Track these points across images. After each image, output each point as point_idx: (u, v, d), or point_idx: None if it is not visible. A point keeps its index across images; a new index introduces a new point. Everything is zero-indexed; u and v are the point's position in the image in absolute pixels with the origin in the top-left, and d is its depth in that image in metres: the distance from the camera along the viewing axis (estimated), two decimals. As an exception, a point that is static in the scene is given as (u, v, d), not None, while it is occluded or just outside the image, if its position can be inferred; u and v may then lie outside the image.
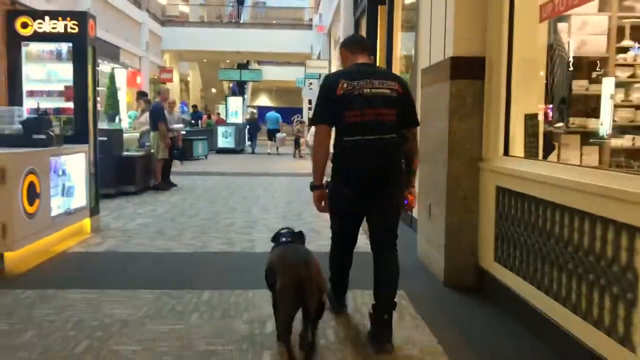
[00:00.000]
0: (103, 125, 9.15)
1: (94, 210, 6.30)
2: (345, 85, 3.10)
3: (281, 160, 18.22)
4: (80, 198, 6.01)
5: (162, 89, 10.06)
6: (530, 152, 3.81)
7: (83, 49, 6.02)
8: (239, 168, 14.91)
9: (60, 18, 5.92)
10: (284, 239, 3.19)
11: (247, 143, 23.69)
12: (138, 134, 10.28)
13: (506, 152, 4.01)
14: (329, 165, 3.28)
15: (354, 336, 3.36)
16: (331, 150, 3.26)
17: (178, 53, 30.30)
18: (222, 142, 20.14)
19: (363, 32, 11.80)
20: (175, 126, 10.46)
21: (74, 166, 5.92)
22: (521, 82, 3.97)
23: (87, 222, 6.14)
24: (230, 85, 34.51)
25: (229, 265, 5.00)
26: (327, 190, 3.30)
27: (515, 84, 3.96)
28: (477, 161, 4.25)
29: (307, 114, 33.01)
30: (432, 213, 4.69)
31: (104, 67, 11.50)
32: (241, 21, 29.85)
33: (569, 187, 3.02)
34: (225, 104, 22.09)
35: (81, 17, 5.98)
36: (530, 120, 3.84)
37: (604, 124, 5.16)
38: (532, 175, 3.46)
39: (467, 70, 4.21)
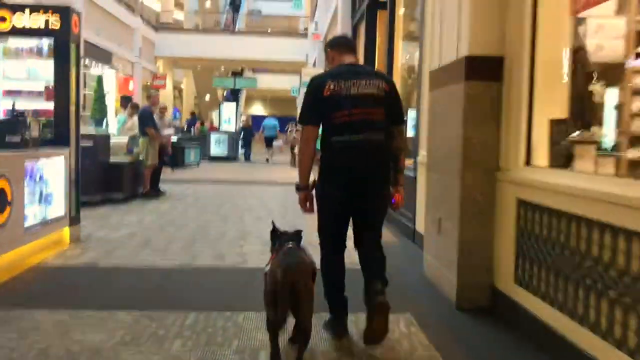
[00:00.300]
0: (89, 130, 8.70)
1: (74, 219, 5.83)
2: (332, 86, 3.08)
3: (276, 169, 17.78)
4: (59, 206, 5.54)
5: (151, 94, 9.63)
6: (557, 161, 3.41)
7: (65, 45, 5.58)
8: (232, 176, 14.45)
9: (41, 11, 5.48)
10: (286, 244, 3.04)
11: (241, 151, 23.28)
12: (126, 140, 9.81)
13: (528, 162, 3.61)
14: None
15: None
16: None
17: (172, 60, 29.87)
18: (215, 150, 19.69)
19: (361, 39, 11.43)
20: (165, 132, 10.02)
21: (53, 172, 5.46)
22: (546, 85, 3.57)
23: (66, 232, 5.67)
24: (224, 92, 34.15)
25: (218, 282, 4.54)
26: (312, 192, 3.25)
27: (539, 86, 3.56)
28: (493, 171, 3.84)
29: (301, 123, 32.72)
30: (443, 228, 4.27)
31: (96, 70, 11.00)
32: (236, 29, 29.47)
33: (606, 201, 2.62)
34: (219, 111, 21.66)
35: (64, 12, 5.54)
36: (558, 126, 3.44)
37: (608, 136, 4.78)
38: (561, 187, 3.06)
39: (484, 70, 3.81)
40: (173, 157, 15.40)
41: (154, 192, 9.61)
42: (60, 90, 5.62)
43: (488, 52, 3.82)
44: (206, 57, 27.91)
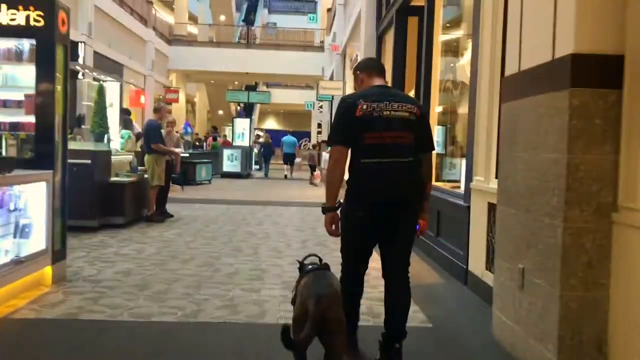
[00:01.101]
0: (88, 145, 7.74)
1: (58, 255, 4.82)
2: (364, 106, 3.02)
3: (292, 186, 16.76)
4: (38, 240, 4.54)
5: (158, 106, 8.67)
6: None
7: (50, 47, 4.61)
8: (246, 195, 13.43)
9: (21, 7, 4.52)
10: (309, 267, 3.03)
11: (255, 167, 22.32)
12: (130, 157, 8.84)
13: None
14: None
15: None
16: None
17: (185, 73, 29.16)
18: (227, 166, 18.72)
19: (389, 49, 10.43)
20: (174, 150, 9.05)
21: (32, 199, 4.48)
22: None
23: (47, 272, 4.66)
24: (238, 107, 33.36)
25: (227, 346, 3.48)
26: (339, 213, 3.16)
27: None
28: (609, 211, 2.77)
29: (315, 138, 31.77)
30: (528, 282, 3.18)
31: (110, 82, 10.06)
32: (251, 42, 28.68)
33: None
34: (232, 126, 20.73)
35: (48, 7, 4.57)
36: None
37: None
38: None
39: (597, 74, 2.77)
40: (183, 174, 14.48)
41: (160, 215, 8.61)
42: (43, 100, 4.64)
43: (602, 49, 2.77)
44: (220, 70, 27.16)
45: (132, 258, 5.86)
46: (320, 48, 26.98)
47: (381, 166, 3.00)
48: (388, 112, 3.02)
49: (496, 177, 4.56)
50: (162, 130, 8.99)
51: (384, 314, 3.19)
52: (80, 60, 16.66)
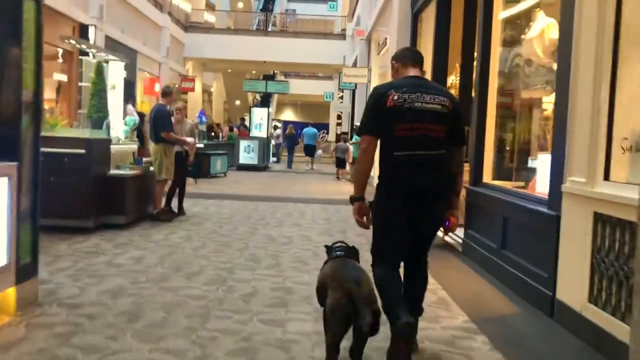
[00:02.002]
0: (83, 133, 6.63)
1: (25, 271, 3.70)
2: (395, 97, 2.94)
3: (312, 181, 15.56)
4: (-3, 254, 3.43)
5: (168, 89, 7.50)
6: None
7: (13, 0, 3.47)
8: (263, 190, 12.28)
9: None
10: (337, 253, 3.01)
11: (273, 159, 21.20)
12: (135, 146, 7.72)
13: None
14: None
15: None
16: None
17: (201, 62, 28.06)
18: (244, 158, 17.56)
19: (427, 29, 9.18)
20: (188, 139, 7.89)
21: (-12, 200, 3.36)
22: None
23: (9, 295, 3.54)
24: (255, 98, 32.23)
25: None
26: (369, 206, 3.07)
27: None
28: None
29: (334, 130, 30.52)
30: None
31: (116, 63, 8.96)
32: (269, 29, 27.44)
33: None
34: (249, 116, 19.57)
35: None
36: None
37: None
38: None
39: None
40: (197, 167, 13.38)
41: (168, 214, 7.49)
42: (4, 70, 3.51)
43: None
44: (237, 58, 26.02)
45: (127, 271, 4.73)
46: (341, 36, 25.67)
47: (412, 159, 2.92)
48: (420, 104, 2.93)
49: (606, 179, 3.35)
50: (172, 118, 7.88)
51: None
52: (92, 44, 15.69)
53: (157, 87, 21.20)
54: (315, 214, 8.78)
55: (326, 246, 3.21)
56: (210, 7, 30.69)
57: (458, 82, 8.43)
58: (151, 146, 7.42)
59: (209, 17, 30.50)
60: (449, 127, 2.99)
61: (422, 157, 2.92)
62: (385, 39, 12.68)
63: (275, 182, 14.39)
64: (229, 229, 7.01)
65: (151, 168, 7.45)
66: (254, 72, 31.64)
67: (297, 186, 13.57)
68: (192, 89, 25.58)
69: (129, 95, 10.09)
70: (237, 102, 35.58)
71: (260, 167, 17.57)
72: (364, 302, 2.51)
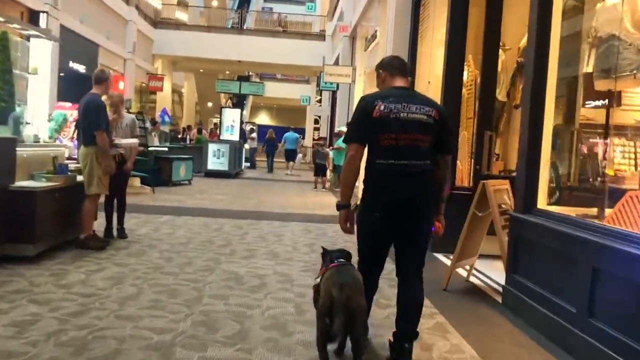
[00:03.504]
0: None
1: None
2: (382, 107, 2.95)
3: (290, 190, 13.66)
4: None
5: (103, 74, 5.47)
6: None
7: None
8: (232, 202, 10.32)
9: None
10: (336, 261, 3.09)
11: (246, 165, 19.25)
12: (61, 150, 5.74)
13: None
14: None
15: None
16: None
17: (172, 60, 25.94)
18: (212, 163, 15.50)
19: (435, 14, 7.43)
20: (124, 141, 5.92)
21: None
22: None
23: None
24: (228, 100, 30.24)
25: None
26: (354, 212, 3.11)
27: None
28: None
29: (311, 135, 28.67)
30: None
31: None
32: (244, 27, 25.48)
33: None
34: (220, 117, 17.57)
35: None
36: None
37: None
38: None
39: None
40: (156, 173, 11.38)
41: (98, 240, 5.54)
42: None
43: None
44: (210, 57, 24.01)
45: (6, 340, 2.80)
46: (320, 36, 23.91)
47: (396, 167, 2.93)
48: (405, 115, 2.93)
49: None
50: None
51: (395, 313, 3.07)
52: (42, 34, 13.56)
53: (122, 85, 19.05)
54: (296, 237, 6.91)
55: (323, 248, 3.32)
56: (182, 4, 28.54)
57: (473, 78, 6.72)
58: (80, 150, 5.46)
59: (181, 15, 28.33)
60: (434, 137, 3.00)
61: (406, 166, 2.92)
62: (375, 31, 10.91)
63: (247, 192, 12.44)
64: (180, 263, 5.08)
65: (79, 178, 5.50)
66: (227, 72, 29.68)
67: (272, 197, 11.65)
68: (161, 89, 23.49)
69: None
70: (210, 104, 33.49)
71: (230, 174, 15.57)
72: (339, 304, 2.68)
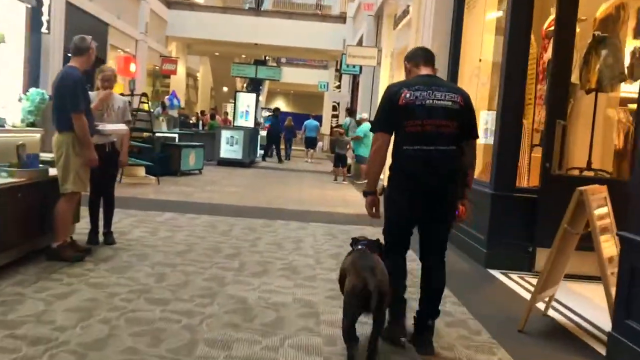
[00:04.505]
0: None
1: None
2: (407, 95, 3.01)
3: (309, 181, 12.47)
4: None
5: (83, 42, 4.26)
6: None
7: None
8: (245, 195, 9.16)
9: None
10: (359, 246, 3.11)
11: (261, 152, 18.07)
12: (37, 136, 4.60)
13: None
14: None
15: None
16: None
17: (186, 43, 24.74)
18: (225, 151, 14.34)
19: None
20: (109, 127, 4.72)
21: None
22: None
23: None
24: (244, 85, 29.02)
25: None
26: (381, 194, 3.22)
27: None
28: None
29: (329, 122, 27.34)
30: None
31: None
32: (262, 9, 24.15)
33: None
34: (234, 102, 16.37)
35: None
36: None
37: None
38: None
39: None
40: (164, 161, 10.26)
41: (73, 251, 4.40)
42: None
43: None
44: (226, 40, 22.75)
45: None
46: (341, 19, 22.51)
47: (422, 153, 2.96)
48: (431, 101, 2.98)
49: None
50: (93, 92, 4.80)
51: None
52: (46, 11, 12.45)
53: (133, 67, 17.94)
54: (318, 243, 5.73)
55: (353, 239, 3.24)
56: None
57: (534, 56, 5.45)
58: (54, 137, 4.31)
59: (197, -4, 27.04)
60: (460, 122, 3.02)
61: (432, 152, 2.95)
62: (408, 7, 9.59)
63: (262, 184, 11.27)
64: (173, 284, 3.93)
65: (52, 171, 4.36)
66: (243, 56, 28.41)
67: (289, 190, 10.46)
68: (174, 72, 22.30)
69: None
70: (225, 89, 32.32)
71: (245, 163, 14.40)
72: (374, 289, 2.66)
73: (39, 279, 3.79)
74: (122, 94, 11.53)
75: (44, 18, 12.14)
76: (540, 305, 3.87)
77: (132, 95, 11.29)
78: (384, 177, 5.03)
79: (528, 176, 5.68)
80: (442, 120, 2.96)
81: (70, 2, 13.56)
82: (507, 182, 5.10)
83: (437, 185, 2.98)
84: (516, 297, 4.31)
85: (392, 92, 3.06)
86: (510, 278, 4.84)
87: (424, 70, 3.17)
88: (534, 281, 4.74)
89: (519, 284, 4.68)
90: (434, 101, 2.97)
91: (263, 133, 18.94)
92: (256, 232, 6.04)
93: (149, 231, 5.59)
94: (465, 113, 3.05)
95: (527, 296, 4.33)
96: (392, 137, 3.10)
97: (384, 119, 3.07)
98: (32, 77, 9.41)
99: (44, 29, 12.06)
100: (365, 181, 3.35)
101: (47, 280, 3.77)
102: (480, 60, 6.22)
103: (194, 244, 5.22)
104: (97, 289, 3.68)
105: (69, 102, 4.19)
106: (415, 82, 3.07)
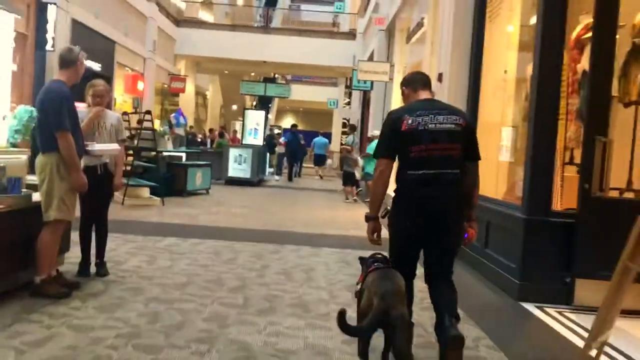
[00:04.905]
0: None
1: None
2: (409, 121, 3.00)
3: (319, 200, 11.98)
4: None
5: (71, 54, 3.81)
6: None
7: None
8: (253, 217, 8.68)
9: None
10: (377, 264, 3.05)
11: (269, 170, 17.61)
12: (23, 157, 4.16)
13: None
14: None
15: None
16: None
17: (195, 61, 24.53)
18: (234, 170, 13.92)
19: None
20: (98, 147, 4.25)
21: None
22: None
23: None
24: (254, 103, 28.75)
25: None
26: (384, 217, 3.20)
27: None
28: None
29: (339, 139, 26.92)
30: None
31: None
32: (271, 26, 23.93)
33: None
34: (243, 119, 15.99)
35: None
36: None
37: None
38: None
39: None
40: (169, 181, 9.83)
41: (60, 283, 3.93)
42: None
43: None
44: (235, 58, 22.49)
45: None
46: (350, 35, 22.20)
47: (427, 177, 2.95)
48: (433, 125, 2.97)
49: None
50: (83, 107, 4.36)
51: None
52: (51, 27, 12.19)
53: (141, 86, 17.70)
54: (331, 272, 5.22)
55: (361, 258, 3.26)
56: (207, 2, 27.15)
57: (571, 73, 4.96)
58: (37, 159, 3.87)
59: (205, 16, 26.90)
60: (463, 145, 3.02)
61: (436, 176, 2.95)
62: (422, 19, 9.16)
63: (270, 204, 10.79)
64: (168, 325, 3.43)
65: (35, 197, 3.91)
66: (252, 74, 28.20)
67: (299, 210, 9.98)
68: (183, 90, 22.05)
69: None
70: (234, 107, 32.07)
71: (253, 182, 13.96)
72: (374, 313, 2.62)
73: (14, 320, 3.32)
74: (125, 112, 11.22)
75: (49, 35, 11.93)
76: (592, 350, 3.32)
77: (135, 113, 10.92)
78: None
79: (561, 198, 5.16)
80: (446, 144, 2.97)
81: (76, 19, 13.35)
82: (541, 206, 4.57)
83: (443, 208, 2.97)
84: (559, 338, 3.77)
85: (394, 118, 3.06)
86: (547, 313, 4.29)
87: (423, 95, 3.18)
88: (574, 317, 4.21)
89: (558, 321, 4.14)
90: (436, 125, 2.98)
91: (280, 150, 18.68)
92: (263, 259, 5.54)
93: (147, 260, 5.11)
94: (467, 134, 3.06)
95: (569, 335, 3.81)
96: (396, 162, 3.08)
97: (386, 145, 3.08)
98: (34, 95, 9.10)
99: (49, 47, 11.83)
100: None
101: (24, 323, 3.29)
102: (505, 72, 5.74)
103: (195, 274, 4.73)
104: (80, 333, 3.19)
105: (52, 119, 3.75)
106: (417, 107, 3.07)
